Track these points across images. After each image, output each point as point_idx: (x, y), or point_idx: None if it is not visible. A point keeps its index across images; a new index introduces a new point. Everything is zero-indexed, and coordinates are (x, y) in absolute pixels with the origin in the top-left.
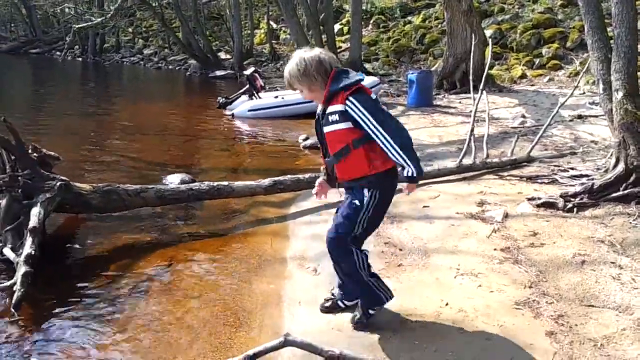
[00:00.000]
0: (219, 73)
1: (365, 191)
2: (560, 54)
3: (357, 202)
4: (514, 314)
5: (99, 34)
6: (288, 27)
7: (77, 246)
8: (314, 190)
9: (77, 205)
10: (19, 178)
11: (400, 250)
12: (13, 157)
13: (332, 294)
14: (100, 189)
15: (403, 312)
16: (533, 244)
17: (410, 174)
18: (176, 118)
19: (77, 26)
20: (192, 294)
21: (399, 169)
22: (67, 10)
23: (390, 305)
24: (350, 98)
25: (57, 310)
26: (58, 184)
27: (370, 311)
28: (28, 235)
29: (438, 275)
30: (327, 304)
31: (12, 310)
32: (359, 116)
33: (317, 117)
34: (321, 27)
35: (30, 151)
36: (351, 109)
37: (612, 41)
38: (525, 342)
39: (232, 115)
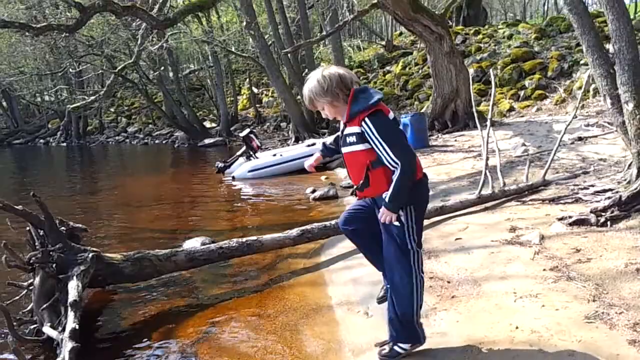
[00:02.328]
0: (207, 141)
1: (401, 212)
2: (543, 84)
3: (397, 223)
4: (588, 327)
5: (81, 117)
6: (274, 87)
7: (111, 319)
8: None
9: (110, 275)
10: (52, 253)
11: (449, 282)
12: (42, 233)
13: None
14: (132, 257)
15: (473, 342)
16: (580, 260)
17: (387, 197)
18: (177, 187)
19: (71, 106)
20: (245, 352)
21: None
22: (47, 98)
23: (456, 338)
24: (366, 119)
25: None
26: (90, 255)
27: (396, 347)
28: (69, 309)
29: (497, 302)
30: (381, 293)
31: None
32: (371, 138)
33: (338, 135)
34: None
35: (57, 225)
36: (365, 131)
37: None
38: (611, 354)
39: (233, 177)
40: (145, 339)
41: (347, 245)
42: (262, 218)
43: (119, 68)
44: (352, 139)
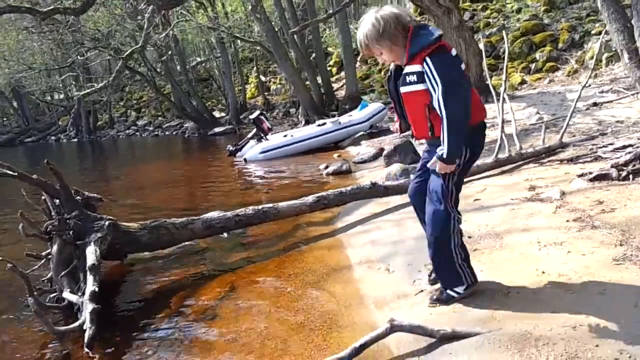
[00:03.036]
0: (217, 130)
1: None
2: (554, 56)
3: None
4: (618, 269)
5: (91, 112)
6: (282, 71)
7: (131, 288)
8: (393, 126)
9: (127, 244)
10: (68, 220)
11: (469, 237)
12: (57, 202)
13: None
14: (149, 225)
15: (499, 288)
16: (604, 210)
17: (441, 153)
18: (191, 170)
19: (80, 93)
20: (267, 309)
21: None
22: (56, 96)
23: (481, 287)
24: (427, 59)
25: (131, 346)
26: (107, 222)
27: (450, 291)
28: (88, 273)
29: (521, 251)
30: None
31: (86, 349)
32: (429, 78)
33: (389, 74)
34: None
35: (73, 194)
36: (425, 70)
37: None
38: None
39: (245, 160)
40: (164, 305)
41: (363, 211)
42: (276, 194)
43: (127, 53)
44: (413, 77)
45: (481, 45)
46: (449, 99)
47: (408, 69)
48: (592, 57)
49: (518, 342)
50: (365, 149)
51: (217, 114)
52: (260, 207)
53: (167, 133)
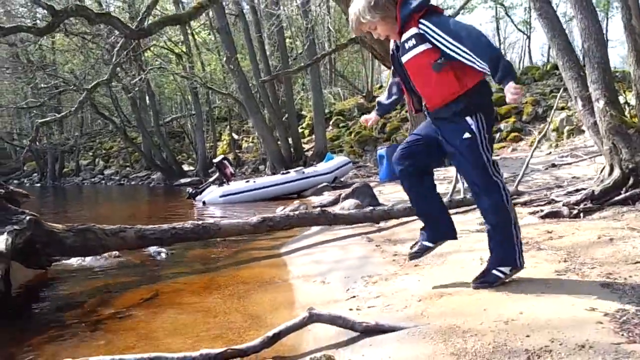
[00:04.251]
0: (183, 181)
1: (468, 119)
2: (518, 127)
3: (467, 134)
4: (558, 278)
5: (58, 159)
6: (252, 123)
7: (49, 293)
8: (363, 118)
9: (49, 244)
10: None
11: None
12: None
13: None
14: (75, 228)
15: (435, 292)
16: (551, 237)
17: (502, 74)
18: (149, 209)
19: (39, 121)
20: (187, 310)
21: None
22: (25, 142)
23: (418, 292)
24: (423, 21)
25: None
26: (27, 217)
27: (495, 271)
28: None
29: (461, 265)
30: (414, 249)
31: None
32: (435, 39)
33: (392, 52)
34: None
35: None
36: (426, 32)
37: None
38: (583, 294)
39: (203, 202)
40: (80, 308)
41: (311, 240)
42: None
43: (92, 85)
44: (411, 42)
45: None
46: (472, 36)
47: (405, 36)
48: (554, 130)
49: (444, 333)
50: (327, 197)
51: (186, 167)
52: (200, 222)
53: (132, 183)
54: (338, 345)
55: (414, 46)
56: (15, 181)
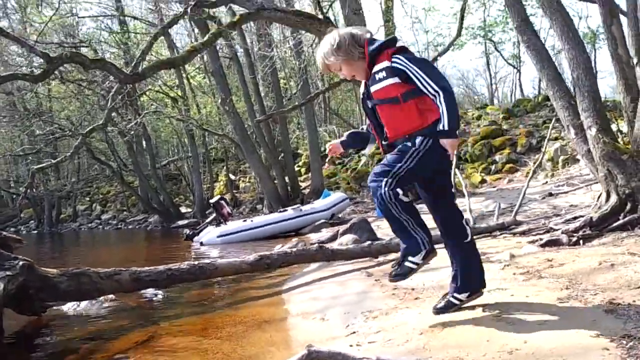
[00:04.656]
0: (180, 223)
1: (418, 138)
2: (513, 158)
3: (409, 143)
4: (561, 306)
5: (55, 205)
6: (249, 162)
7: (43, 339)
8: (328, 145)
9: (43, 289)
10: None
11: (413, 289)
12: None
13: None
14: (69, 272)
15: (437, 324)
16: (552, 266)
17: (442, 127)
18: (146, 252)
19: (35, 167)
20: (182, 353)
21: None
22: (22, 189)
23: (420, 324)
24: (398, 55)
25: None
26: (20, 263)
27: (407, 263)
28: None
29: None
30: (440, 304)
31: None
32: (407, 69)
33: (362, 95)
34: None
35: None
36: (399, 64)
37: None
38: (587, 320)
39: (201, 243)
40: (74, 353)
41: (310, 277)
42: None
43: (87, 130)
44: (382, 74)
45: None
46: (438, 78)
47: (376, 68)
48: (549, 160)
49: None
50: (326, 234)
51: (183, 209)
52: (196, 262)
53: (130, 227)
54: None
55: (384, 78)
56: (12, 229)
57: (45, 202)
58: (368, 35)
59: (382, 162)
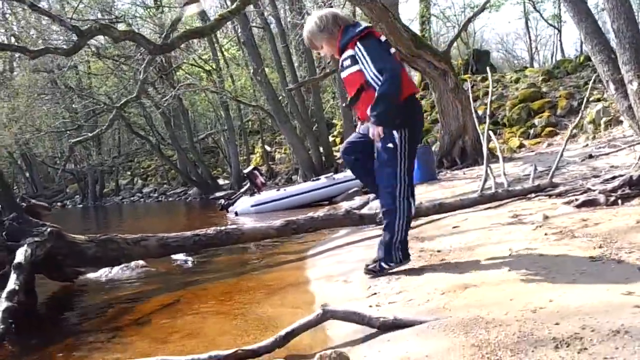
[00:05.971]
0: (218, 194)
1: (395, 133)
2: (553, 121)
3: (390, 145)
4: (594, 264)
5: (98, 180)
6: (282, 132)
7: (73, 304)
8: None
9: (71, 256)
10: (4, 221)
11: (439, 251)
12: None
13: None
14: (97, 238)
15: (460, 284)
16: (587, 225)
17: (369, 112)
18: (184, 222)
19: (72, 141)
20: (205, 314)
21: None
22: (68, 166)
23: (442, 283)
24: (358, 43)
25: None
26: (48, 229)
27: (384, 264)
28: (12, 272)
29: (489, 256)
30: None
31: None
32: (359, 57)
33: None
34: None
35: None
36: (356, 52)
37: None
38: (620, 278)
39: (236, 213)
40: (102, 314)
41: (339, 242)
42: None
43: (122, 102)
44: (347, 62)
45: (480, 112)
46: (380, 72)
47: (344, 55)
48: (590, 122)
49: (466, 325)
50: (358, 202)
51: (221, 181)
52: (222, 228)
53: (170, 199)
54: (354, 343)
55: (349, 66)
56: (59, 203)
57: (88, 177)
58: (348, 20)
59: (380, 174)
